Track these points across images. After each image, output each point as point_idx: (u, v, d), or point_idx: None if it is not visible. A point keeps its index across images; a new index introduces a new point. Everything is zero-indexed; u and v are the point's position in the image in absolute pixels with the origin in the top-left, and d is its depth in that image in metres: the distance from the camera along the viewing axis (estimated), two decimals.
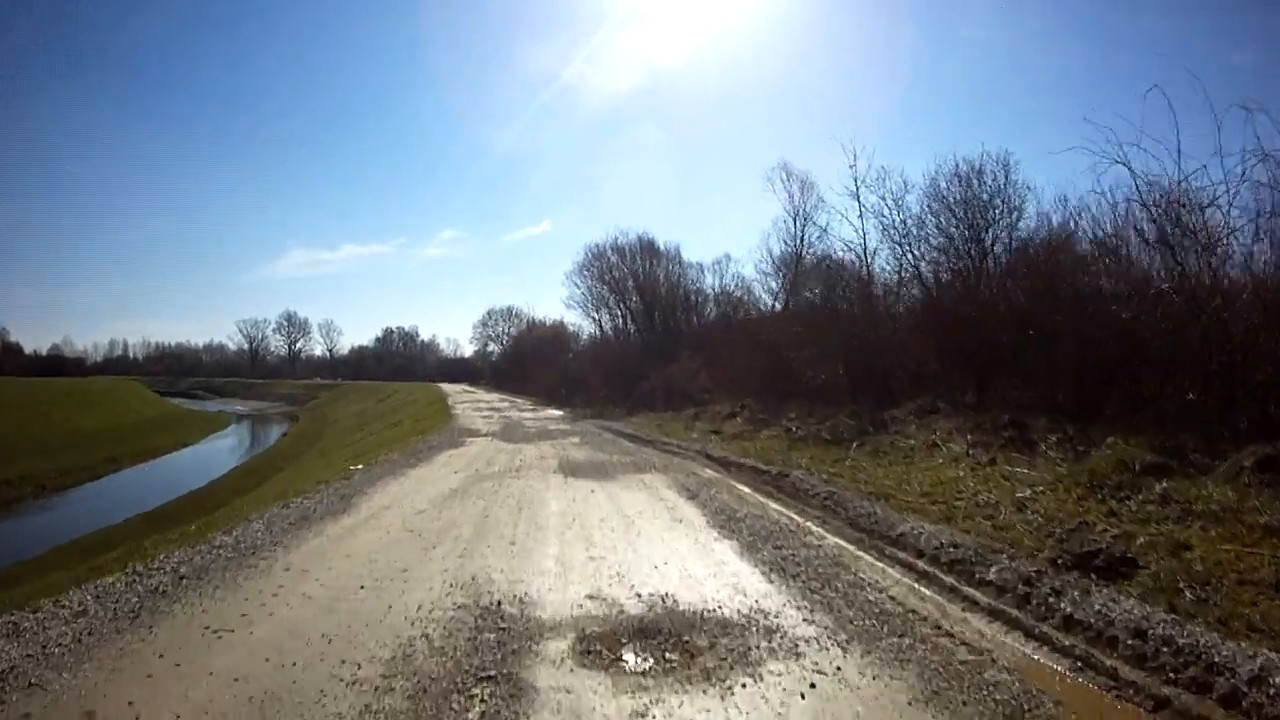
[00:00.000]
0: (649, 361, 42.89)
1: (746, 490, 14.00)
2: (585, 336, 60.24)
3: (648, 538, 9.95)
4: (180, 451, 45.75)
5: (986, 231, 21.88)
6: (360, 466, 18.29)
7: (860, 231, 26.35)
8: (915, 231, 24.01)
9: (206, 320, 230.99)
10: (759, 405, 26.88)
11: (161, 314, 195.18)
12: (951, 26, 66.53)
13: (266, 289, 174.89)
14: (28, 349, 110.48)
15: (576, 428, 29.54)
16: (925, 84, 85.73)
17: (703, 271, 49.51)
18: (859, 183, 25.99)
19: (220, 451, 45.95)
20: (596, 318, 55.72)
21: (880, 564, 8.94)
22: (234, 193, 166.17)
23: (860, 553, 9.43)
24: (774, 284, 42.72)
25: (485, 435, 26.51)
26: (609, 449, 21.27)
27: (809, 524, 11.01)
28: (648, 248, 49.34)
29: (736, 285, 47.98)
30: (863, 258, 26.55)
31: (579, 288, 55.03)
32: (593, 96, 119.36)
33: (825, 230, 37.03)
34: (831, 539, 10.11)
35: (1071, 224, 19.13)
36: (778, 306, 41.80)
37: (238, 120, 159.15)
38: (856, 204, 26.31)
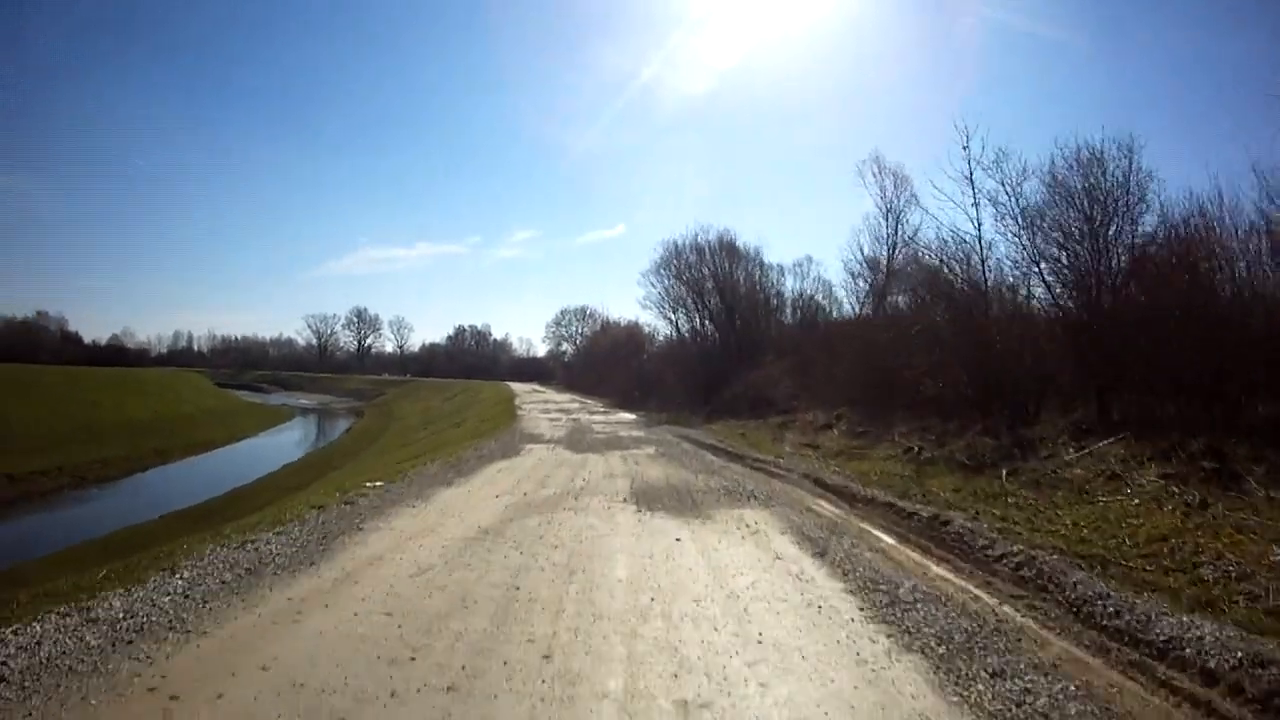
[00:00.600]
0: (729, 365, 39.35)
1: (889, 541, 9.99)
2: (661, 338, 56.89)
3: (778, 648, 5.97)
4: (234, 445, 43.92)
5: (1109, 226, 18.42)
6: (379, 483, 14.71)
7: (975, 221, 22.69)
8: (1038, 222, 20.41)
9: (276, 314, 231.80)
10: (858, 416, 23.25)
11: (230, 307, 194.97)
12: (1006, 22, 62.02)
13: (337, 284, 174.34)
14: (89, 339, 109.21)
15: (651, 435, 26.06)
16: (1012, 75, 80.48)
17: (783, 273, 46.04)
18: (973, 165, 22.37)
19: (276, 447, 43.55)
20: (673, 319, 52.11)
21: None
22: (308, 189, 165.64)
23: (1127, 680, 5.59)
24: (863, 284, 38.96)
25: (548, 442, 23.20)
26: (691, 465, 17.61)
27: (1015, 614, 7.03)
28: (728, 247, 45.35)
29: (818, 288, 44.70)
30: (978, 250, 22.85)
31: (655, 286, 51.52)
32: (668, 99, 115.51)
33: (919, 228, 33.39)
34: (1066, 650, 6.17)
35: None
36: (867, 310, 38.27)
37: (314, 118, 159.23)
38: (970, 190, 22.69)
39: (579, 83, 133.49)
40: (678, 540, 9.82)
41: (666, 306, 50.91)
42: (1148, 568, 8.09)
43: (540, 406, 43.29)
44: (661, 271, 49.71)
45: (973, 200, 22.07)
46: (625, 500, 12.77)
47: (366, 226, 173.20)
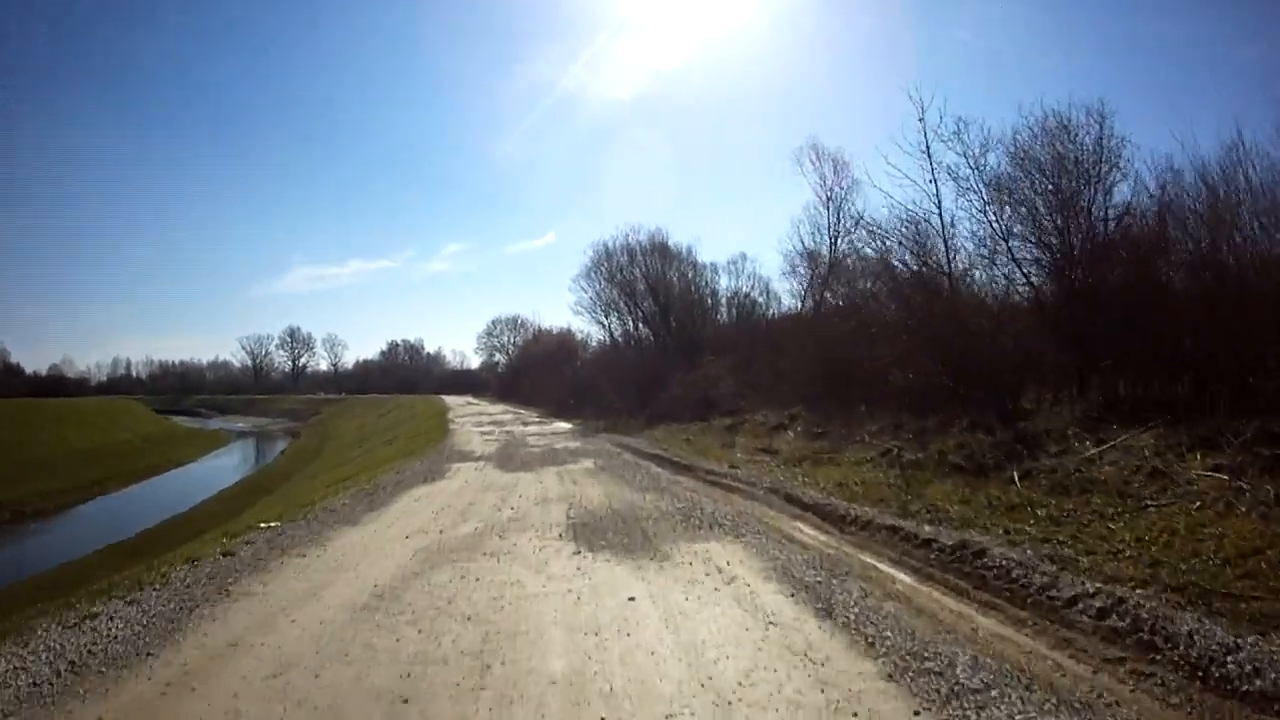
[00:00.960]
0: (666, 368, 36.90)
1: (907, 580, 7.47)
2: (594, 344, 54.23)
3: None
4: (173, 471, 42.01)
5: (1081, 196, 16.58)
6: (275, 523, 12.04)
7: (934, 198, 20.57)
8: (1004, 196, 18.35)
9: (212, 338, 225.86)
10: (814, 415, 20.94)
11: (166, 332, 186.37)
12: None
13: (272, 305, 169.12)
14: (30, 369, 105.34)
15: (589, 445, 23.53)
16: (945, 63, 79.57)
17: (717, 272, 43.59)
18: (930, 137, 20.24)
19: (214, 471, 41.07)
20: (605, 323, 49.49)
21: None
22: (237, 210, 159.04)
23: None
24: (802, 276, 36.79)
25: (478, 459, 20.78)
26: (636, 481, 15.07)
27: (1126, 690, 4.77)
28: (660, 247, 42.82)
29: (753, 285, 42.20)
30: (939, 229, 20.70)
31: (586, 291, 48.88)
32: (592, 104, 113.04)
33: (861, 215, 31.46)
34: None
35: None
36: (808, 303, 36.20)
37: (238, 137, 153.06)
38: (929, 165, 20.57)
39: (503, 90, 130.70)
40: (631, 600, 7.10)
41: (599, 311, 48.45)
42: (1256, 595, 5.93)
43: (473, 419, 40.58)
44: (592, 275, 47.23)
45: (930, 176, 20.02)
46: (561, 536, 10.11)
47: (299, 246, 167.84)
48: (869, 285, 25.26)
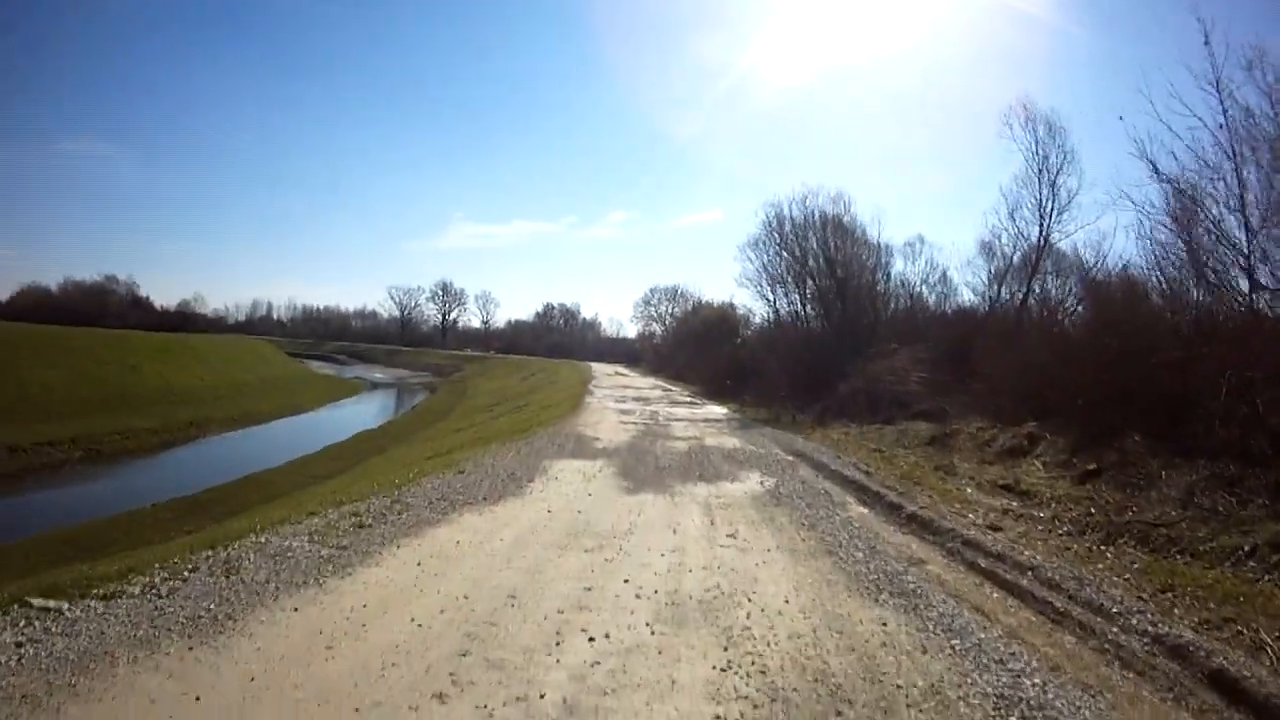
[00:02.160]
0: (840, 354, 30.61)
1: None
2: (757, 320, 47.90)
3: None
4: (286, 419, 38.68)
5: None
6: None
7: (1228, 148, 13.80)
8: None
9: (366, 288, 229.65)
10: (1068, 440, 14.55)
11: (319, 280, 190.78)
12: None
13: (430, 259, 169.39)
14: (171, 306, 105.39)
15: (752, 446, 17.68)
16: None
17: (891, 254, 35.82)
18: (1219, 70, 13.50)
19: (330, 423, 37.18)
20: (771, 298, 43.07)
21: None
22: (405, 164, 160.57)
23: None
24: (1002, 264, 29.60)
25: (598, 455, 15.50)
26: (841, 542, 9.02)
27: None
28: (835, 220, 35.68)
29: (929, 272, 34.68)
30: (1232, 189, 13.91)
31: (753, 261, 42.50)
32: (766, 89, 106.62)
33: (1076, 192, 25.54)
34: None
35: None
36: (1004, 295, 29.15)
37: (413, 97, 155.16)
38: (1219, 105, 13.80)
39: (678, 71, 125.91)
40: None
41: (764, 284, 42.12)
42: None
43: (615, 393, 35.26)
44: (762, 243, 40.79)
45: (1221, 121, 13.29)
46: None
47: (463, 203, 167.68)
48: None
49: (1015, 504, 11.49)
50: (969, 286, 32.41)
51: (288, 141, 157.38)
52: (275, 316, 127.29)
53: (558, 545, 8.40)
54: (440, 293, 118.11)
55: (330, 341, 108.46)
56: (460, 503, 10.40)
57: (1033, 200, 27.98)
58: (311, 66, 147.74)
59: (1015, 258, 29.09)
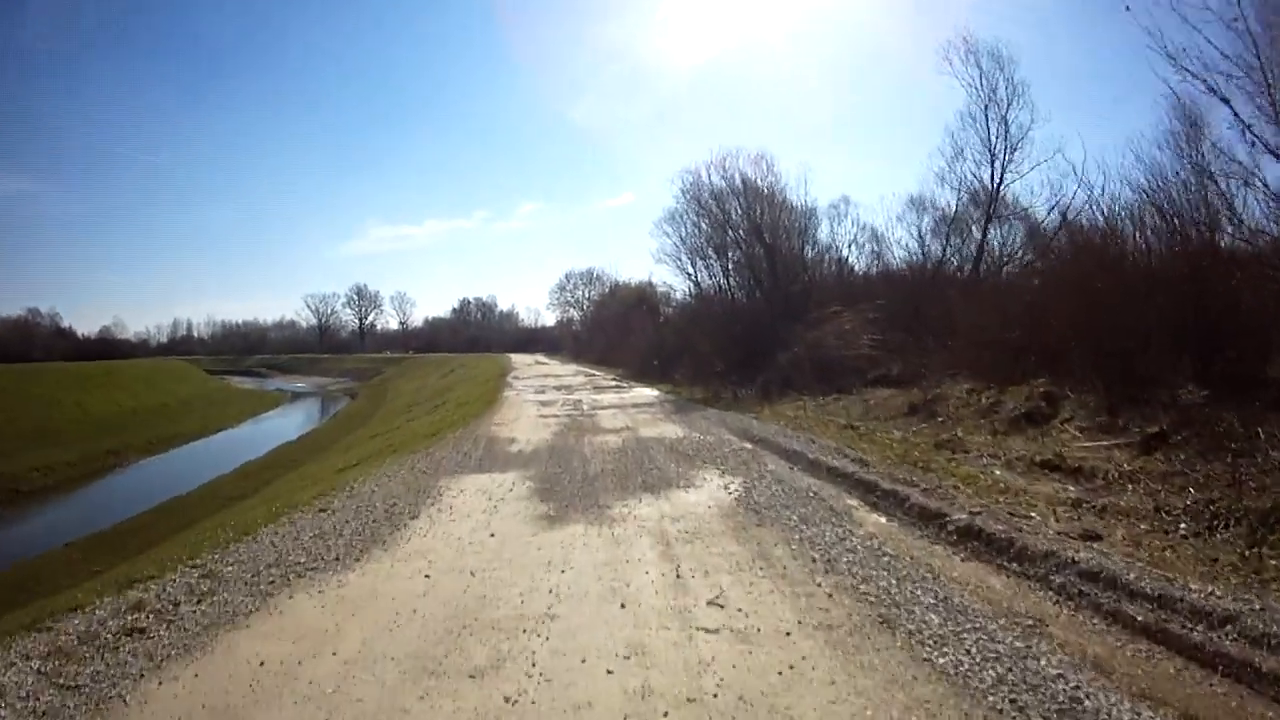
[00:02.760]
0: (777, 323, 27.44)
1: None
2: (678, 296, 44.51)
3: None
4: (208, 438, 35.49)
5: None
6: None
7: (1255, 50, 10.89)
8: None
9: (285, 300, 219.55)
10: (1098, 395, 11.41)
11: (237, 296, 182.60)
12: None
13: (346, 266, 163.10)
14: (83, 332, 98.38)
15: (698, 435, 14.20)
16: None
17: (814, 217, 32.19)
18: None
19: (249, 439, 34.22)
20: (692, 272, 39.79)
21: None
22: (311, 172, 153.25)
23: None
24: (953, 215, 26.77)
25: (510, 463, 11.67)
26: (886, 581, 5.67)
27: None
28: (755, 186, 32.02)
29: (857, 232, 31.61)
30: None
31: (671, 236, 39.19)
32: (666, 68, 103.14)
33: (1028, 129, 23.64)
34: None
35: None
36: (955, 252, 26.46)
37: (311, 99, 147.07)
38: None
39: (580, 56, 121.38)
40: None
41: (684, 258, 38.77)
42: None
43: (536, 383, 31.33)
44: (679, 216, 37.39)
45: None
46: None
47: (375, 206, 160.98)
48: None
49: (1074, 489, 8.22)
50: (900, 245, 29.78)
51: (201, 158, 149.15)
52: (196, 335, 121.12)
53: (426, 667, 4.62)
54: (355, 297, 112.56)
55: (251, 356, 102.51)
56: (301, 569, 6.67)
57: (980, 140, 25.19)
58: (215, 80, 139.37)
59: (959, 205, 26.39)
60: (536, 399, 23.94)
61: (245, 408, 47.38)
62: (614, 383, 30.51)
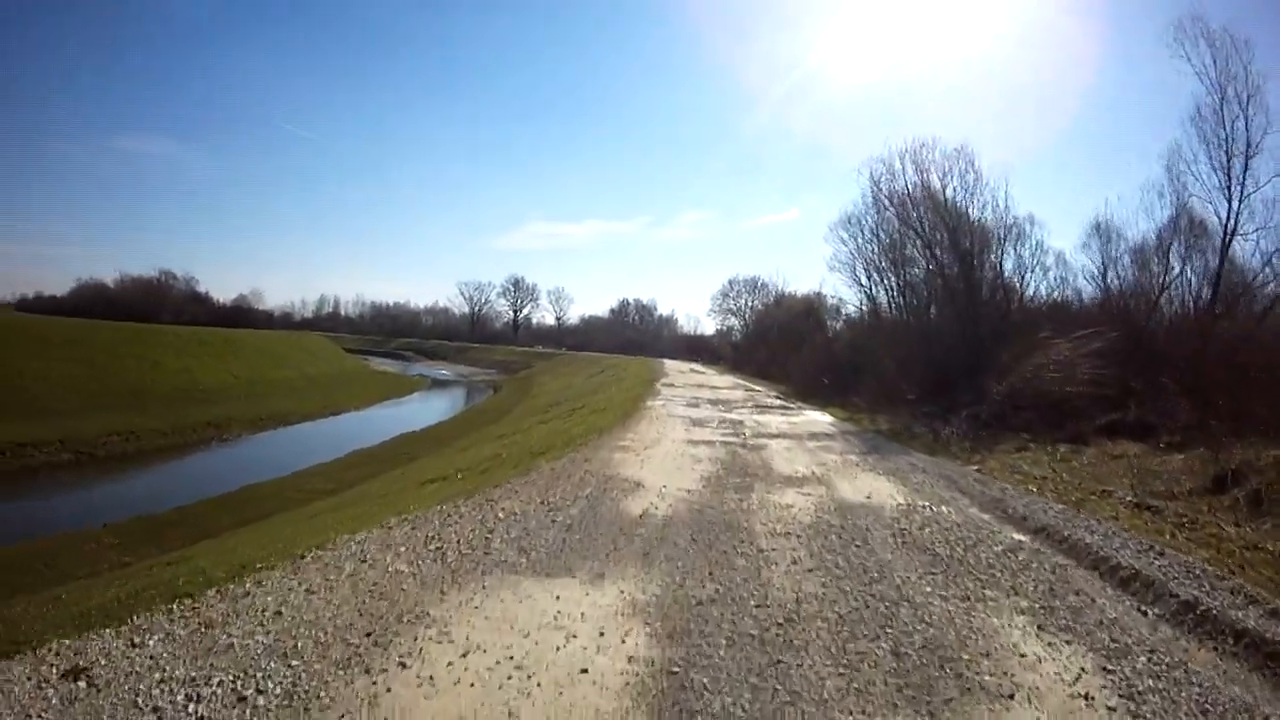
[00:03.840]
0: (976, 346, 22.29)
1: None
2: (850, 311, 39.09)
3: None
4: (328, 420, 33.33)
5: None
6: None
7: None
8: None
9: (438, 285, 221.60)
10: None
11: (391, 278, 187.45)
12: None
13: (504, 257, 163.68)
14: (229, 301, 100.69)
15: (924, 502, 9.56)
16: None
17: (1017, 229, 26.02)
18: None
19: (369, 425, 31.45)
20: (867, 284, 34.68)
21: None
22: (479, 163, 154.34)
23: None
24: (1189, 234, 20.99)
25: (618, 549, 6.80)
26: None
27: None
28: (946, 183, 26.27)
29: (1041, 255, 25.77)
30: None
31: (847, 243, 34.02)
32: (836, 84, 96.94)
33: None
34: None
35: None
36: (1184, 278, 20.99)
37: (487, 95, 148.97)
38: None
39: (749, 64, 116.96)
40: None
41: (859, 269, 33.70)
42: None
43: (687, 394, 27.07)
44: (858, 221, 32.34)
45: None
46: None
47: (537, 202, 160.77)
48: None
49: None
50: (1084, 272, 24.03)
51: (360, 137, 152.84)
52: (344, 313, 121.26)
53: None
54: (512, 288, 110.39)
55: (399, 338, 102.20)
56: None
57: (1214, 140, 19.51)
58: (384, 61, 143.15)
59: (1182, 222, 20.78)
60: (686, 414, 19.72)
61: (377, 390, 45.18)
62: (779, 401, 25.93)
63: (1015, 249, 25.49)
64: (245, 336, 50.08)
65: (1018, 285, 25.98)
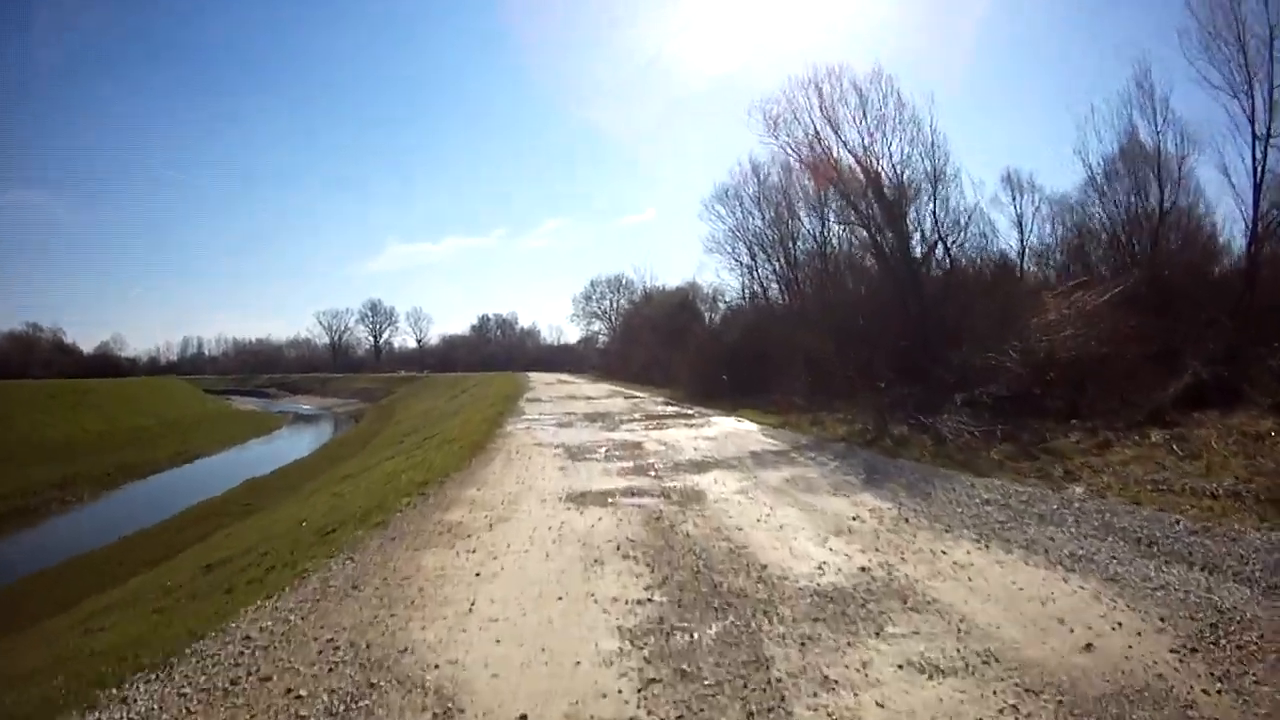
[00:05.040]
0: (933, 315, 16.25)
1: None
2: (730, 299, 32.82)
3: None
4: (181, 468, 28.11)
5: None
6: None
7: None
8: None
9: (300, 319, 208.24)
10: None
11: (254, 315, 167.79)
12: None
13: (364, 284, 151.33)
14: (90, 350, 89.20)
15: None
16: None
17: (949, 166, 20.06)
18: None
19: (226, 468, 26.68)
20: (751, 264, 28.60)
21: None
22: (330, 190, 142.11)
23: None
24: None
25: None
26: None
27: None
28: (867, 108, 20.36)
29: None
30: None
31: (726, 219, 28.01)
32: (686, 77, 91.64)
33: None
34: None
35: None
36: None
37: (335, 116, 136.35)
38: None
39: (594, 60, 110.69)
40: None
41: (741, 247, 27.72)
42: None
43: (559, 410, 19.84)
44: (737, 192, 26.42)
45: None
46: None
47: (393, 225, 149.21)
48: None
49: None
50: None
51: (213, 173, 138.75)
52: (207, 353, 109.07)
53: None
54: (370, 313, 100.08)
55: (262, 375, 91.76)
56: None
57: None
58: (240, 98, 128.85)
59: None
60: (559, 439, 12.78)
61: (236, 432, 38.85)
62: (672, 408, 19.18)
63: (948, 195, 19.53)
64: (101, 386, 44.42)
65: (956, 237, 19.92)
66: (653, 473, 9.11)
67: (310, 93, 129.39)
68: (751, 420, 15.27)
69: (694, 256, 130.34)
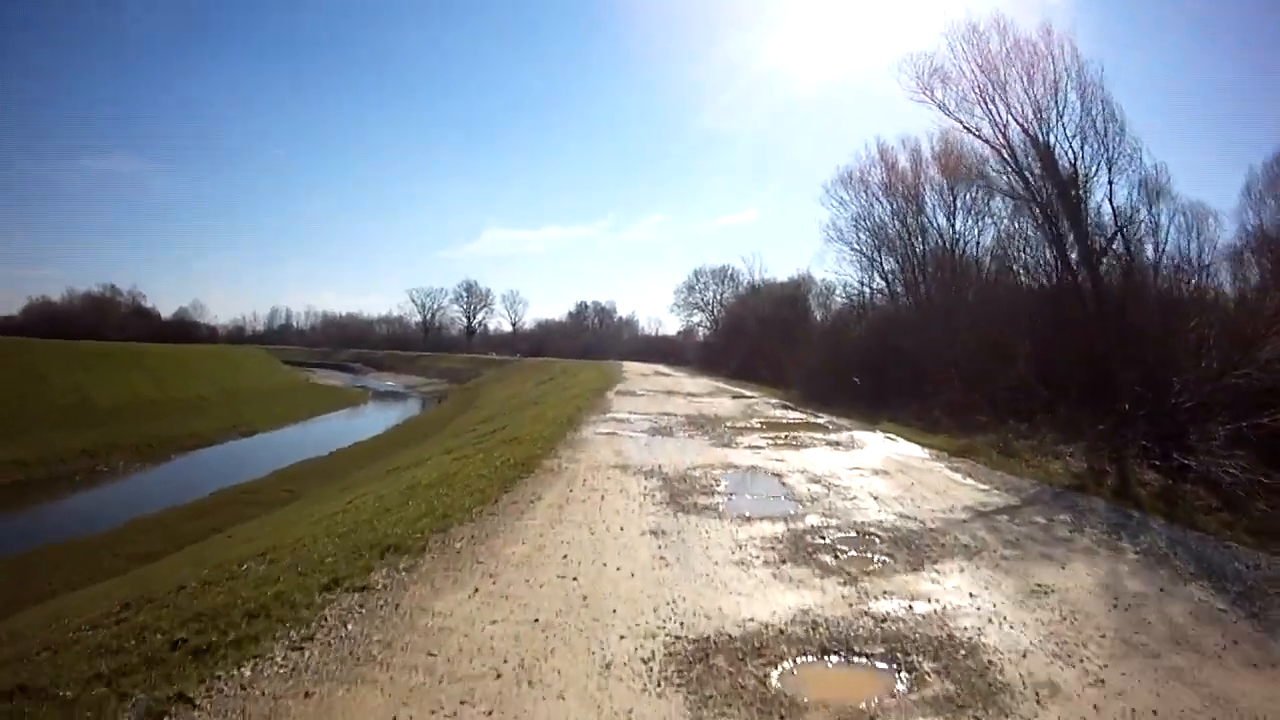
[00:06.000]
0: (1125, 326, 12.66)
1: None
2: (848, 296, 28.91)
3: None
4: (234, 442, 27.02)
5: None
6: None
7: None
8: None
9: (393, 297, 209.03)
10: None
11: (352, 291, 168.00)
12: None
13: (461, 266, 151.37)
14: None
15: None
16: None
17: None
18: None
19: (282, 445, 25.60)
20: (875, 256, 25.09)
21: None
22: (435, 174, 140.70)
23: None
24: None
25: None
26: None
27: None
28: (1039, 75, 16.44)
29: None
30: None
31: (849, 205, 24.82)
32: (794, 84, 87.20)
33: None
34: None
35: None
36: None
37: (441, 103, 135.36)
38: None
39: (707, 68, 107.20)
40: None
41: (863, 237, 24.51)
42: None
43: (653, 410, 16.87)
44: (864, 176, 23.27)
45: None
46: None
47: (494, 210, 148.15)
48: None
49: None
50: None
51: (317, 153, 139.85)
52: (295, 325, 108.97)
53: None
54: (465, 294, 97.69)
55: (350, 349, 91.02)
56: None
57: None
58: (340, 78, 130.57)
59: None
60: (652, 464, 9.47)
61: (307, 406, 37.10)
62: (795, 415, 16.09)
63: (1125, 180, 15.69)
64: (155, 349, 41.92)
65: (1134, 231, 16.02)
66: (829, 557, 5.42)
67: (412, 81, 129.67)
68: (908, 439, 12.04)
69: (796, 258, 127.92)
